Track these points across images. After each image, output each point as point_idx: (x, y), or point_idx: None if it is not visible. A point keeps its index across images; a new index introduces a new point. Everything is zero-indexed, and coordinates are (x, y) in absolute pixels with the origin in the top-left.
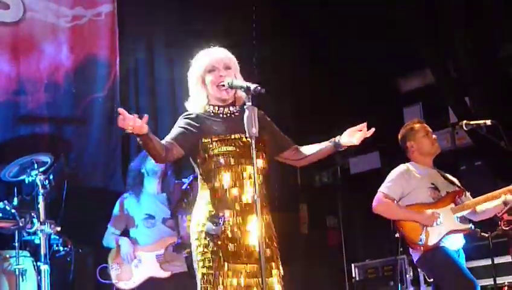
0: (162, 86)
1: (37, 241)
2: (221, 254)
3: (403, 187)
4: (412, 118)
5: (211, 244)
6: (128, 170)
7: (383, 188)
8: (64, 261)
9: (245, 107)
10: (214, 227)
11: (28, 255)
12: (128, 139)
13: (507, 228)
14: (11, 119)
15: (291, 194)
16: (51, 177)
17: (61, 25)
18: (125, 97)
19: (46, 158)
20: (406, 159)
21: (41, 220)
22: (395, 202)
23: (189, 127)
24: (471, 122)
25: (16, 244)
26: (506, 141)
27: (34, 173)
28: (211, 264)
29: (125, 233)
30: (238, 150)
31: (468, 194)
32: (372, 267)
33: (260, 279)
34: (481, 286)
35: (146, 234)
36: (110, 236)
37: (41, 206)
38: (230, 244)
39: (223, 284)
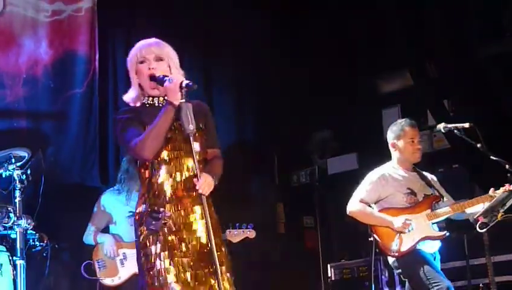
0: None
1: (13, 236)
2: (162, 249)
3: (379, 192)
4: (390, 119)
5: (152, 238)
6: (121, 165)
7: (359, 193)
8: (40, 257)
9: (179, 103)
10: (153, 222)
11: (4, 249)
12: (106, 135)
13: (482, 230)
14: None
15: (269, 193)
16: (28, 172)
17: (41, 20)
18: (103, 93)
19: (24, 153)
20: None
21: (17, 214)
22: (370, 205)
23: (138, 124)
24: (449, 125)
25: None
26: (483, 144)
27: (11, 167)
28: (154, 260)
29: (106, 230)
30: (176, 142)
31: (445, 198)
32: (348, 267)
33: (206, 270)
34: (456, 287)
35: (131, 230)
36: (89, 234)
37: (18, 201)
38: (171, 238)
39: (168, 277)
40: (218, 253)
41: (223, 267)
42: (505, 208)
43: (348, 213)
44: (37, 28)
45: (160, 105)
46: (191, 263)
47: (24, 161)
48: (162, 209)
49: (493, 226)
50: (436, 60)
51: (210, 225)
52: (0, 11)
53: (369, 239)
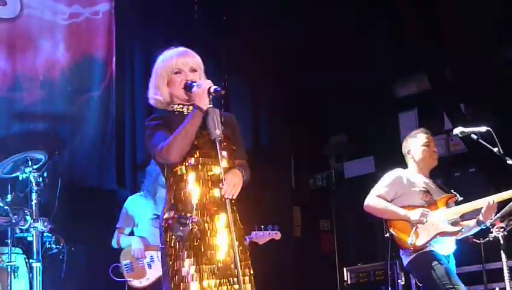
0: None
1: (29, 238)
2: (188, 256)
3: (396, 190)
4: (407, 123)
5: (179, 245)
6: (147, 172)
7: (376, 190)
8: (56, 259)
9: (207, 108)
10: (181, 228)
11: (21, 252)
12: (122, 138)
13: (499, 234)
14: (6, 115)
15: (285, 196)
16: (45, 174)
17: (58, 23)
18: (120, 97)
19: (41, 155)
20: (405, 165)
21: (34, 217)
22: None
23: (165, 129)
24: (466, 129)
25: (9, 241)
26: (500, 148)
27: (28, 170)
28: (179, 266)
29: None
30: (203, 149)
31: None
32: (364, 271)
33: (230, 279)
34: None
35: (155, 233)
36: (114, 238)
37: (34, 203)
38: (197, 244)
39: (192, 285)
40: (242, 262)
41: (246, 278)
42: None
43: (364, 207)
44: (55, 30)
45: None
46: (216, 271)
47: (41, 163)
48: (189, 214)
49: (510, 230)
50: (454, 63)
51: (234, 232)
52: (17, 14)
53: (385, 235)
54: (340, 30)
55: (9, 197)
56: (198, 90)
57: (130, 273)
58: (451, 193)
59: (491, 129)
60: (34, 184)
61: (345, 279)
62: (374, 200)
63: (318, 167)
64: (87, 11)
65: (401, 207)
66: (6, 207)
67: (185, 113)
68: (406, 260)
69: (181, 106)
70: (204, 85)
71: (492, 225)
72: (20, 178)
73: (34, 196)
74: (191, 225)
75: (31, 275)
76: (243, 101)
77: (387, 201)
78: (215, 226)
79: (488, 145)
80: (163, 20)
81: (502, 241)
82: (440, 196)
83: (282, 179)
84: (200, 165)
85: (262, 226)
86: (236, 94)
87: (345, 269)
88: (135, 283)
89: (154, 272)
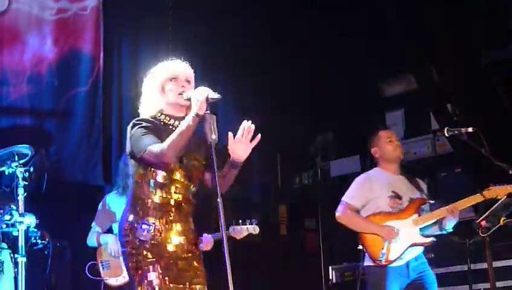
0: None
1: (15, 233)
2: (149, 257)
3: (366, 196)
4: (394, 123)
5: (140, 248)
6: (119, 169)
7: (347, 198)
8: (41, 255)
9: (204, 114)
10: (144, 233)
11: (6, 247)
12: (109, 134)
13: (485, 235)
14: None
15: (271, 195)
16: (31, 169)
17: (46, 18)
18: (108, 92)
19: (27, 150)
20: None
21: (20, 212)
22: (358, 211)
23: (155, 133)
24: (453, 129)
25: None
26: (487, 148)
27: (14, 164)
28: (141, 267)
29: (110, 231)
30: (177, 163)
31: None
32: (349, 270)
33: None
34: None
35: None
36: (92, 235)
37: (20, 198)
38: (157, 249)
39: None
40: (200, 272)
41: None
42: (508, 212)
43: (336, 219)
44: (42, 25)
45: (174, 129)
46: (176, 274)
47: (27, 158)
48: (152, 221)
49: (495, 231)
50: (441, 64)
51: (225, 232)
52: (5, 8)
53: (358, 247)
54: (327, 30)
55: None
56: (198, 97)
57: (106, 271)
58: (422, 196)
59: (477, 130)
60: (20, 179)
61: (330, 278)
62: (346, 212)
63: (304, 166)
64: (75, 7)
65: (372, 215)
66: None
67: (170, 126)
68: (366, 262)
69: (168, 118)
70: (204, 92)
71: (478, 226)
72: (6, 173)
73: (20, 190)
74: (153, 230)
75: (16, 270)
76: (229, 100)
77: (359, 209)
78: (174, 233)
79: (475, 146)
80: (151, 15)
81: (487, 242)
82: (411, 196)
83: (268, 177)
84: (168, 173)
85: (240, 221)
86: (223, 93)
87: (330, 268)
88: (111, 281)
89: None
